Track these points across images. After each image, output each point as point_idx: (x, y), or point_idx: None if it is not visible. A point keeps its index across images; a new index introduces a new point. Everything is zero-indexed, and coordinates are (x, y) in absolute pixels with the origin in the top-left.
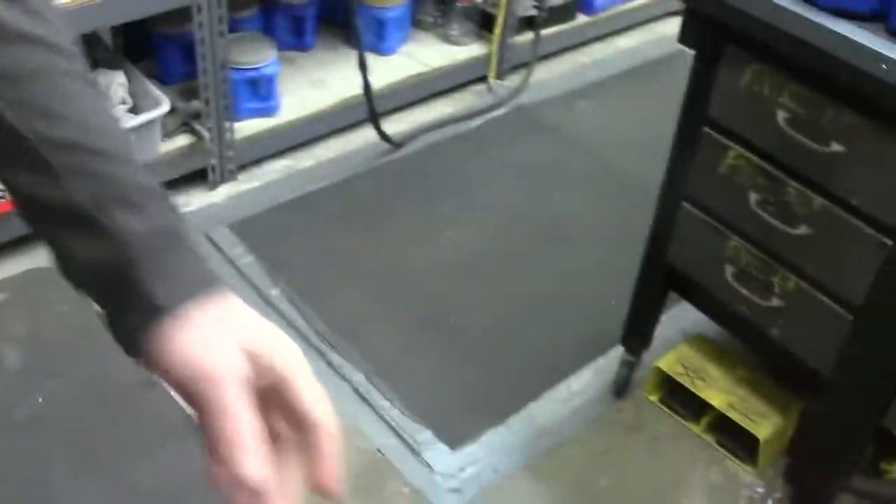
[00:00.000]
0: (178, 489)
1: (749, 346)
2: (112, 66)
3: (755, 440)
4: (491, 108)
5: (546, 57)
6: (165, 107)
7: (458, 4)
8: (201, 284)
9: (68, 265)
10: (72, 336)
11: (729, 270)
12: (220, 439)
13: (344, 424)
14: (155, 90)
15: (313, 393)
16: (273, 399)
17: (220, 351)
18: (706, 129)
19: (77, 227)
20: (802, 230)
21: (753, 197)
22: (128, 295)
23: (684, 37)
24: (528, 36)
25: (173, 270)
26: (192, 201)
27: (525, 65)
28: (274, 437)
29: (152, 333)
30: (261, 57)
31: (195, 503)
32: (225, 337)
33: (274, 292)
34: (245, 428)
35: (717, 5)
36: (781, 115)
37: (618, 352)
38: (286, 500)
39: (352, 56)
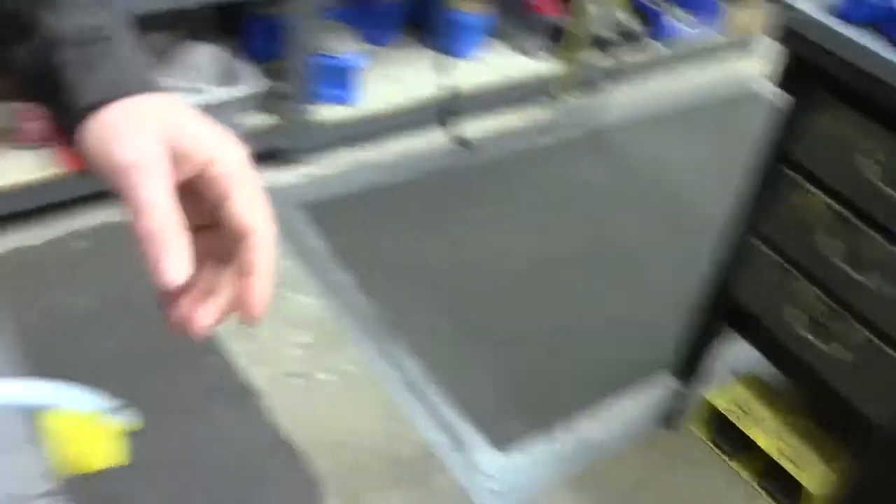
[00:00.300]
0: (229, 449)
1: (804, 392)
2: (206, 39)
3: (797, 486)
4: (560, 125)
5: (618, 80)
6: (255, 83)
7: (537, 19)
8: (129, 81)
9: (13, 74)
10: (143, 288)
11: (793, 313)
12: (139, 238)
13: (397, 416)
14: (246, 67)
15: (250, 198)
16: (215, 208)
17: (136, 142)
18: (787, 170)
19: (11, 32)
20: (877, 282)
21: (828, 242)
22: (61, 95)
23: (781, 79)
24: (603, 58)
25: (98, 68)
26: (265, 179)
27: (596, 86)
28: (223, 256)
29: (81, 130)
30: (346, 47)
31: (247, 467)
32: (146, 130)
33: (338, 277)
34: (161, 223)
35: (821, 53)
36: (869, 165)
37: (667, 379)
38: (207, 316)
39: (429, 57)
